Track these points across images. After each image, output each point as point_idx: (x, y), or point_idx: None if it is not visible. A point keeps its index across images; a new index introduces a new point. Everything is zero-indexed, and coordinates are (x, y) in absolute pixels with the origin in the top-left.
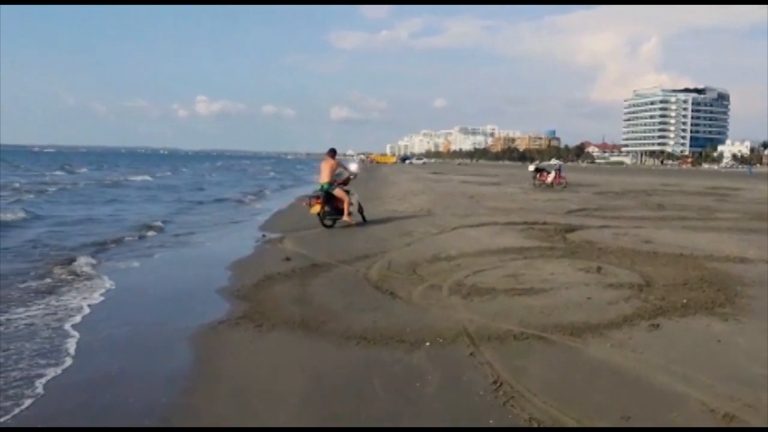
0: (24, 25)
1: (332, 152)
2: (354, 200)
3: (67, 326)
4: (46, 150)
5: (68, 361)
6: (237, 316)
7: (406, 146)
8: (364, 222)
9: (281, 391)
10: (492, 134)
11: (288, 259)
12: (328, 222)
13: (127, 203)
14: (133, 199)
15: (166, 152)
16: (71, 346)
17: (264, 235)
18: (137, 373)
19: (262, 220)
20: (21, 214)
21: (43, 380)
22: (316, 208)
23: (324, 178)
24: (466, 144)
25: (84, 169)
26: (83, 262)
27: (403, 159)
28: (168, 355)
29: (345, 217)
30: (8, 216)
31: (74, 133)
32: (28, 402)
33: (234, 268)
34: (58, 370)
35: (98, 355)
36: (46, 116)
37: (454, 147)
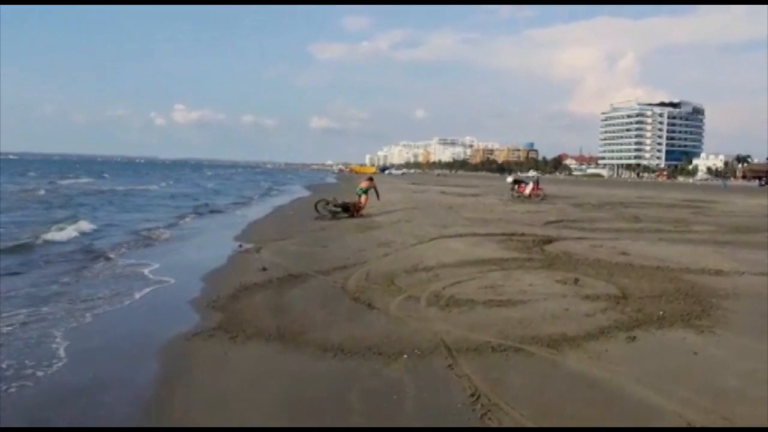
0: None
1: (370, 179)
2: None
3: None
4: (24, 158)
5: (40, 373)
6: (211, 327)
7: (385, 156)
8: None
9: (255, 405)
10: (471, 146)
11: (265, 269)
12: (325, 213)
13: (144, 212)
14: (151, 207)
15: (143, 161)
16: (57, 354)
17: (240, 245)
18: (108, 384)
19: (240, 230)
20: (93, 225)
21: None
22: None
23: (364, 186)
24: (445, 155)
25: (86, 179)
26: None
27: (383, 169)
28: (137, 368)
29: (356, 214)
30: (86, 227)
31: (46, 141)
32: None
33: (209, 279)
34: (36, 377)
35: (69, 365)
36: (17, 123)
37: (433, 158)
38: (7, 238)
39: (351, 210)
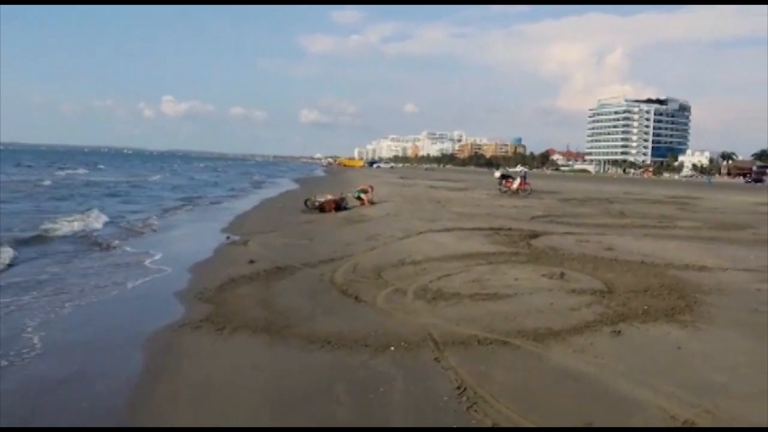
0: None
1: (371, 187)
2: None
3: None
4: (9, 148)
5: (27, 357)
6: (198, 319)
7: (374, 150)
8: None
9: (242, 396)
10: (459, 140)
11: (252, 261)
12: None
13: (148, 203)
14: (153, 198)
15: (130, 152)
16: (33, 343)
17: (228, 237)
18: (93, 375)
19: (228, 222)
20: (104, 216)
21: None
22: (366, 200)
23: (361, 188)
24: (434, 149)
25: (83, 170)
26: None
27: (371, 163)
28: (123, 359)
29: (334, 211)
30: (99, 217)
31: (32, 131)
32: None
33: (197, 270)
34: (20, 363)
35: (56, 356)
36: (2, 113)
37: (421, 152)
38: (21, 229)
39: (325, 209)
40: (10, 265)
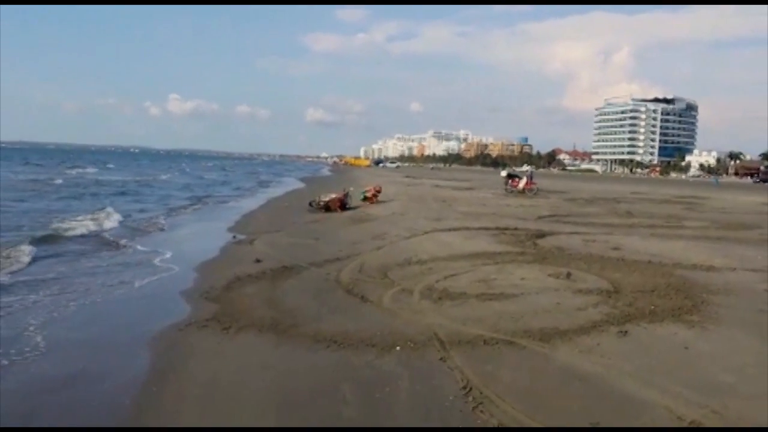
0: None
1: (379, 188)
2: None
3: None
4: (15, 147)
5: (30, 356)
6: (205, 318)
7: (380, 149)
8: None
9: (248, 395)
10: (465, 140)
11: (258, 260)
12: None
13: (159, 202)
14: (164, 198)
15: (137, 150)
16: (37, 341)
17: (235, 236)
18: (98, 374)
19: (234, 221)
20: (118, 215)
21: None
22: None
23: (367, 187)
24: (440, 149)
25: (92, 169)
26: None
27: (377, 162)
28: (129, 357)
29: (371, 202)
30: (114, 216)
31: (38, 130)
32: None
33: (203, 269)
34: (22, 362)
35: (60, 354)
36: (8, 111)
37: (427, 152)
38: (34, 228)
39: (331, 208)
40: (29, 264)
